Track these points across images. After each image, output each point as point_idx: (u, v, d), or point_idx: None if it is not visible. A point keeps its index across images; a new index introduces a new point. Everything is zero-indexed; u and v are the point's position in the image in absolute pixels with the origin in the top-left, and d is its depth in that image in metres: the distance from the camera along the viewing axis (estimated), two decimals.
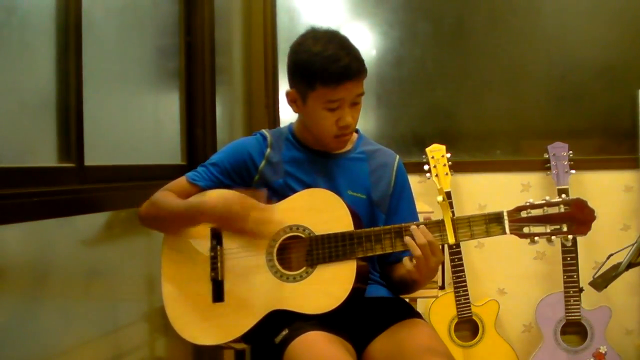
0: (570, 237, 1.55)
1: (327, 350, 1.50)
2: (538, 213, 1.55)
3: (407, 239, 1.57)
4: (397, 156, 1.88)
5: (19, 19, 1.69)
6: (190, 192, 1.79)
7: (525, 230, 1.55)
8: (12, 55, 1.65)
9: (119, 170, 2.09)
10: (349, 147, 1.84)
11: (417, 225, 1.59)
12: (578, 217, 1.54)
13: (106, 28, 2.09)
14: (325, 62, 1.63)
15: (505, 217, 1.56)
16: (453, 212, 2.88)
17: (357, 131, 1.88)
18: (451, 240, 1.58)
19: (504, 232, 1.56)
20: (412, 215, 1.84)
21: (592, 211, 1.54)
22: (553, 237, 1.55)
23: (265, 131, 1.86)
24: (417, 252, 1.56)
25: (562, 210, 1.55)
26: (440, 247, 1.60)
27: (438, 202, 1.56)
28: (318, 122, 1.71)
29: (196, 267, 1.73)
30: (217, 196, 1.73)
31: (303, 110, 1.75)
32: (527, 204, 1.56)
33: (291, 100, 1.76)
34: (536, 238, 1.55)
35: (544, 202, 1.56)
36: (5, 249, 1.66)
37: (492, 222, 1.57)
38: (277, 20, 3.18)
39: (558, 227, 1.55)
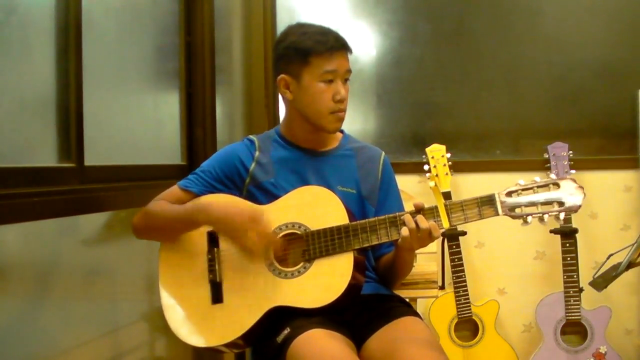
0: (562, 215, 1.59)
1: (329, 347, 1.51)
2: (529, 194, 1.60)
3: (405, 225, 1.61)
4: (383, 152, 1.92)
5: (19, 18, 1.69)
6: (184, 199, 1.79)
7: (518, 211, 1.60)
8: (12, 55, 1.65)
9: (119, 170, 2.09)
10: (335, 144, 1.87)
11: (413, 214, 1.61)
12: (568, 195, 1.59)
13: (106, 28, 2.09)
14: (316, 36, 1.72)
15: (497, 199, 1.60)
16: None
17: (342, 131, 1.91)
18: (445, 224, 1.61)
19: (497, 214, 1.60)
20: (399, 207, 1.87)
21: (581, 189, 1.59)
22: (545, 216, 1.59)
23: (252, 136, 1.89)
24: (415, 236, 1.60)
25: (552, 190, 1.59)
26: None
27: (430, 188, 1.62)
28: (315, 98, 1.73)
29: (194, 270, 1.73)
30: (227, 201, 1.73)
31: (298, 93, 1.76)
32: (518, 185, 1.61)
33: (284, 86, 1.78)
34: (529, 218, 1.59)
35: (534, 182, 1.61)
36: (6, 249, 1.66)
37: (484, 205, 1.61)
38: (277, 20, 3.18)
39: (549, 206, 1.59)
